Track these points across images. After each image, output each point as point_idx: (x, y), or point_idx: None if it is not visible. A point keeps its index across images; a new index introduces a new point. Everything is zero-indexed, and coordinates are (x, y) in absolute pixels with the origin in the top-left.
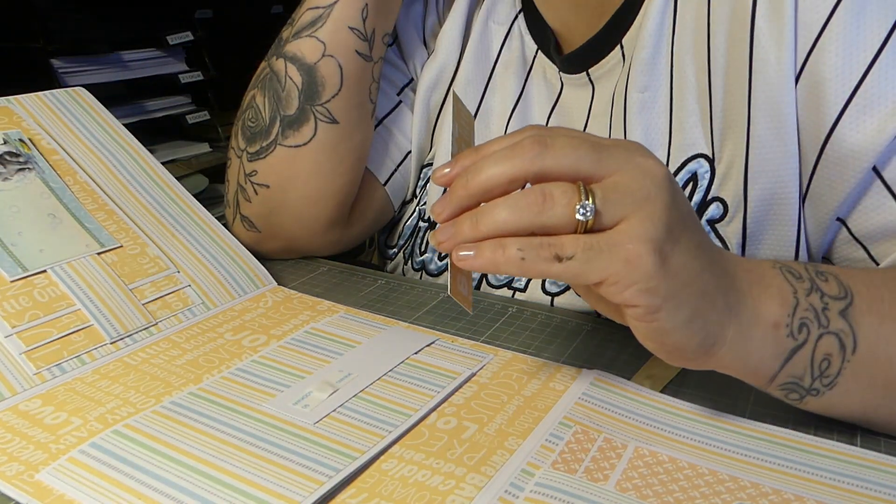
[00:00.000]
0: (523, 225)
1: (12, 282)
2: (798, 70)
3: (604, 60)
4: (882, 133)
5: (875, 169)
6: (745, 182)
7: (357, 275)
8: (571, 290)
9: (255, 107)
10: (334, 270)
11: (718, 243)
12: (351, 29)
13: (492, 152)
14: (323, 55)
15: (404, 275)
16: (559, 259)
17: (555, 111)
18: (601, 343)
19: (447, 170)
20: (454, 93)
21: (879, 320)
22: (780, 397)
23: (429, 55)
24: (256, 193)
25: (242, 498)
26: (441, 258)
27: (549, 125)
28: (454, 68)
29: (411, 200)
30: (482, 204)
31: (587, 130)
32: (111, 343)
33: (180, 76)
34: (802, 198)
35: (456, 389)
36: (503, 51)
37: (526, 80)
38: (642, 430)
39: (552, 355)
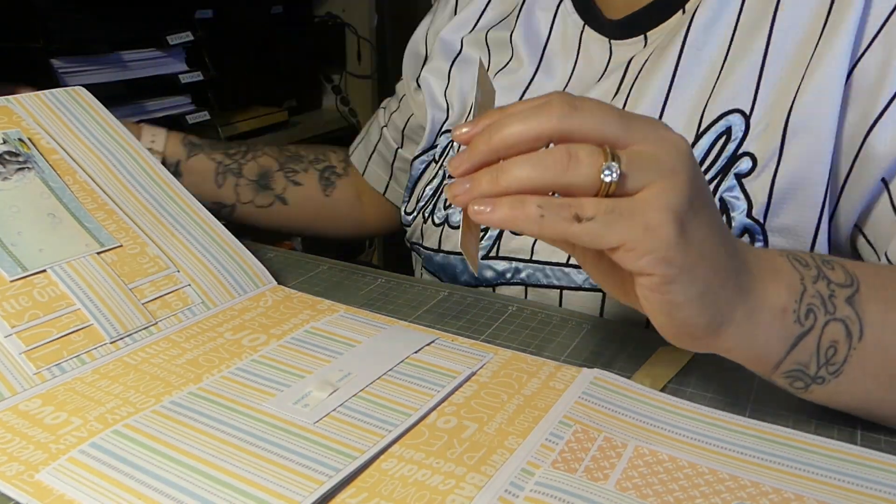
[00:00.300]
0: (546, 183)
1: (12, 281)
2: (855, 59)
3: (665, 24)
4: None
5: (884, 180)
6: (782, 140)
7: (357, 274)
8: None
9: None
10: (334, 269)
11: (743, 198)
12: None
13: (518, 111)
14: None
15: (422, 236)
16: (579, 219)
17: (604, 76)
18: (601, 342)
19: (467, 128)
20: (480, 62)
21: (885, 308)
22: (785, 386)
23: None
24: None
25: (242, 498)
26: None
27: (597, 84)
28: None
29: (428, 165)
30: (502, 161)
31: (625, 79)
32: (111, 343)
33: (180, 76)
34: (838, 190)
35: (456, 388)
36: (552, 34)
37: (577, 58)
38: (642, 430)
39: (552, 354)
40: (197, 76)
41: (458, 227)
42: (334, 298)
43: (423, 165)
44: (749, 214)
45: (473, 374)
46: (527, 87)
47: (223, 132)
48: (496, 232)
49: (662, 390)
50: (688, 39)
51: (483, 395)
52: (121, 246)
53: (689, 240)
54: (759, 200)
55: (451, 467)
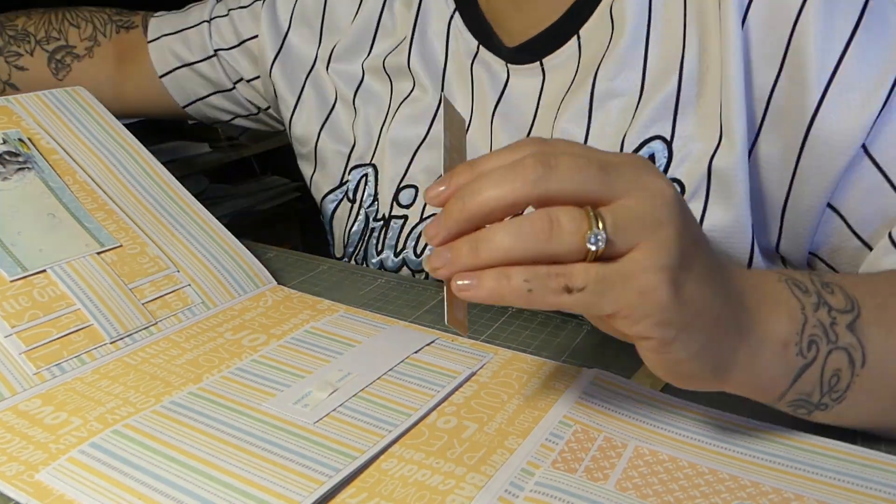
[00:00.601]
0: (529, 254)
1: (12, 281)
2: (782, 57)
3: (560, 50)
4: (866, 108)
5: (864, 147)
6: (709, 165)
7: (357, 274)
8: None
9: None
10: (334, 269)
11: None
12: None
13: (489, 170)
14: None
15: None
16: (569, 291)
17: (502, 101)
18: (601, 342)
19: (442, 188)
20: (445, 98)
21: (887, 331)
22: (789, 412)
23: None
24: None
25: (242, 498)
26: (396, 254)
27: (495, 115)
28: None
29: (340, 203)
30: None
31: (537, 119)
32: (111, 343)
33: None
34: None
35: (456, 389)
36: (449, 55)
37: (472, 77)
38: (642, 430)
39: (552, 354)
40: None
41: (395, 271)
42: (334, 298)
43: (334, 205)
44: None
45: (473, 374)
46: (434, 116)
47: (223, 132)
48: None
49: (662, 390)
50: (600, 69)
51: (483, 396)
52: (121, 246)
53: (685, 298)
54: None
55: (451, 467)
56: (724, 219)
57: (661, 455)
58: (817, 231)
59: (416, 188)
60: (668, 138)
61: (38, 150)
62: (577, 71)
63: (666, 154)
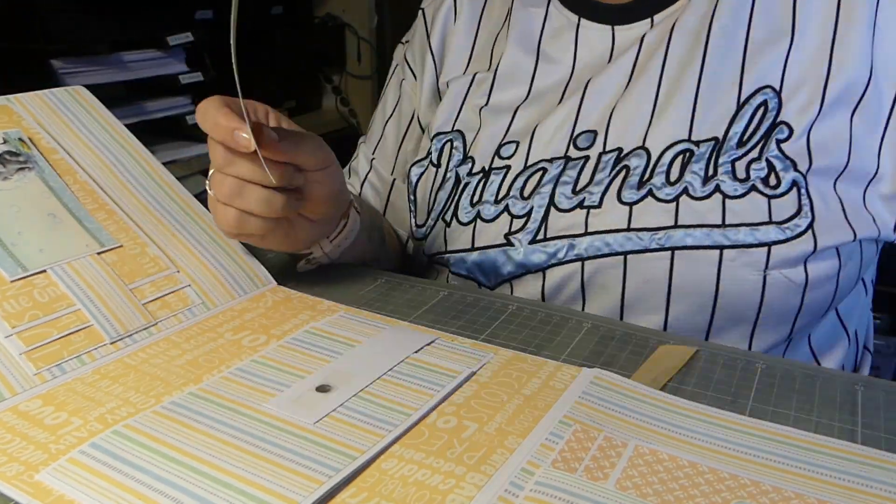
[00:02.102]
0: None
1: (12, 282)
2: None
3: (674, 6)
4: None
5: None
6: (819, 109)
7: (357, 274)
8: (649, 197)
9: None
10: (334, 270)
11: (785, 159)
12: None
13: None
14: None
15: (446, 241)
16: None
17: (611, 58)
18: (601, 341)
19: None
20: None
21: None
22: None
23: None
24: None
25: (242, 497)
26: (497, 201)
27: (606, 78)
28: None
29: (425, 171)
30: None
31: (639, 58)
32: (111, 343)
33: (180, 77)
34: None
35: (456, 388)
36: (544, 33)
37: (575, 53)
38: (642, 429)
39: (552, 353)
40: (197, 77)
41: (492, 220)
42: (334, 299)
43: (418, 175)
44: (796, 168)
45: (473, 373)
46: (532, 80)
47: None
48: (541, 213)
49: (662, 390)
50: (716, 11)
51: (483, 395)
52: (121, 246)
53: None
54: (801, 159)
55: (451, 467)
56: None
57: (661, 454)
58: None
59: (517, 142)
60: (778, 89)
61: (38, 150)
62: (688, 14)
63: (776, 101)
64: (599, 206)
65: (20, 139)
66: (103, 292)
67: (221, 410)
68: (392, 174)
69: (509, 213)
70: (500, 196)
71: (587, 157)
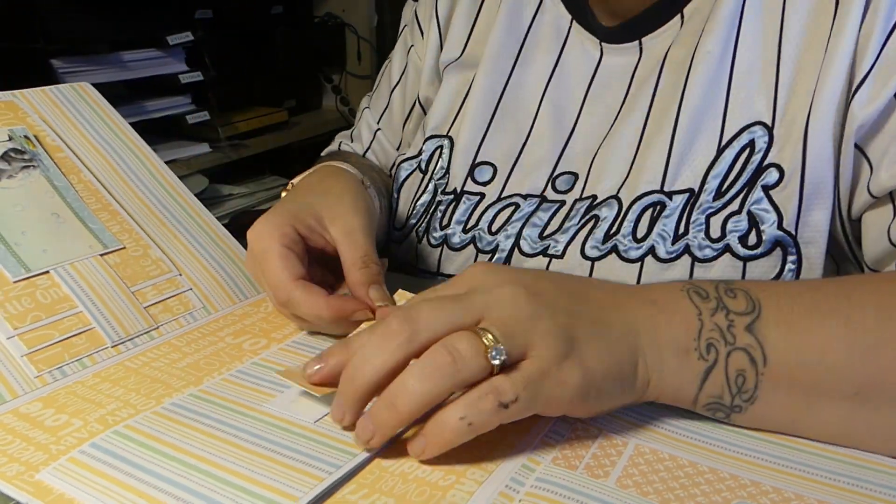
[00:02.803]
0: (442, 390)
1: (15, 282)
2: (856, 41)
3: (663, 28)
4: (872, 102)
5: (857, 146)
6: (804, 148)
7: None
8: (613, 254)
9: None
10: None
11: (772, 209)
12: None
13: (361, 344)
14: None
15: (417, 255)
16: (504, 405)
17: (595, 80)
18: None
19: (318, 366)
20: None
21: (787, 329)
22: (708, 416)
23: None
24: None
25: (243, 494)
26: (465, 230)
27: (588, 94)
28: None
29: (412, 172)
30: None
31: (630, 94)
32: (112, 346)
33: (180, 76)
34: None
35: None
36: (534, 24)
37: (561, 52)
38: (643, 428)
39: None
40: (197, 76)
41: (459, 249)
42: None
43: (407, 173)
44: (780, 226)
45: None
46: (506, 82)
47: (223, 132)
48: (504, 255)
49: None
50: (701, 41)
51: None
52: (124, 248)
53: (588, 368)
54: (790, 207)
55: (452, 463)
56: None
57: (661, 454)
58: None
59: (494, 166)
60: (770, 124)
61: (43, 148)
62: (675, 44)
63: (766, 139)
64: (562, 257)
65: (25, 136)
66: (105, 294)
67: (222, 411)
68: (398, 149)
69: (475, 247)
70: (468, 225)
71: (562, 203)
